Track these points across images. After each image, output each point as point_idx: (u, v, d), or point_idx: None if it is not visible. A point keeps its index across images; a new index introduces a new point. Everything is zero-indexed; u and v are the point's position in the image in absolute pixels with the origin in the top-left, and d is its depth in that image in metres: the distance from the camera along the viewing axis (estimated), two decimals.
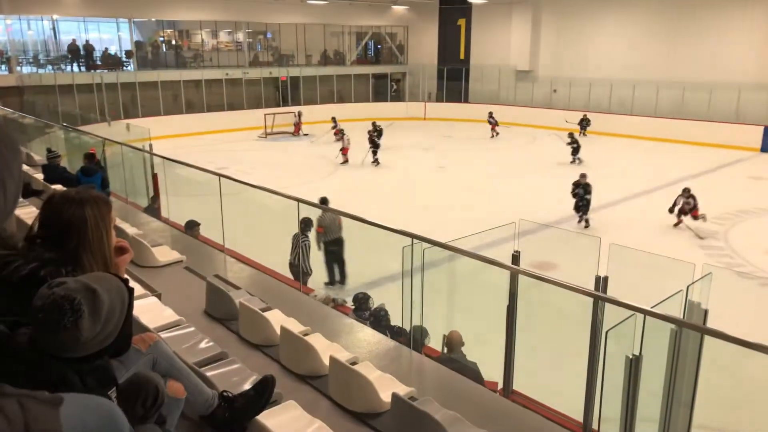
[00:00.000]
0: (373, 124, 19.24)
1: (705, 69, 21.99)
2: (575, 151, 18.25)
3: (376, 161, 18.43)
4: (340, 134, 20.16)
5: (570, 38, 26.51)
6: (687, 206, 11.79)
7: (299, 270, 7.54)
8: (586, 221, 12.31)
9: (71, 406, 1.03)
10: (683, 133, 21.93)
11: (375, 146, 18.38)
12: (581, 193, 12.20)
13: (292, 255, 7.89)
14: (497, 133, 23.96)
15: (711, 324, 3.97)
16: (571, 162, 18.05)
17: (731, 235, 11.62)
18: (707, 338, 3.84)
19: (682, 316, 3.95)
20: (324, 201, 8.49)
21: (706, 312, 4.06)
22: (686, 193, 11.92)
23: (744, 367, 5.13)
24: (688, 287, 4.07)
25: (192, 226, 7.97)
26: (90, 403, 1.11)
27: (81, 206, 1.78)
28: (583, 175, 12.47)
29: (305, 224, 7.77)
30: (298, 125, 24.61)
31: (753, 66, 21.26)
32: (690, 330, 3.93)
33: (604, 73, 24.79)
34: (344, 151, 18.64)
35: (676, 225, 11.94)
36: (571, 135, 18.60)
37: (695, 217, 11.67)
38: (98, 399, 1.15)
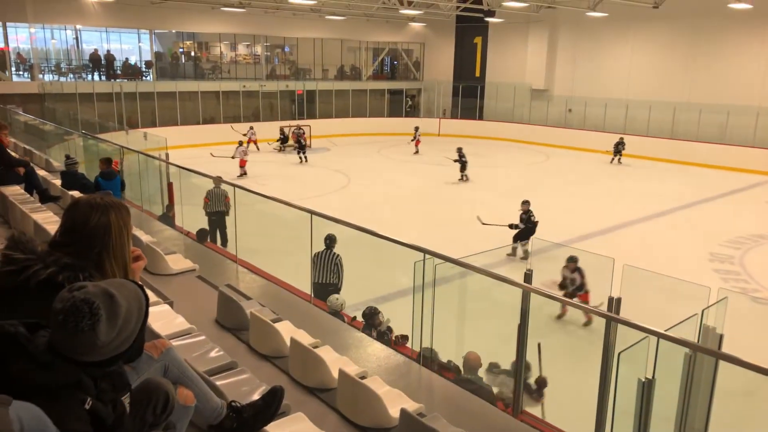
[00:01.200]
0: (299, 126, 23.26)
1: (722, 92, 21.87)
2: (463, 167, 18.20)
3: (303, 158, 21.23)
4: (238, 145, 19.40)
5: (586, 58, 26.54)
6: (571, 284, 8.63)
7: (327, 289, 7.23)
8: (526, 253, 11.29)
9: (14, 407, 1.16)
10: (700, 155, 21.78)
11: (301, 147, 21.42)
12: (524, 219, 11.47)
13: (319, 274, 7.37)
14: (417, 151, 23.65)
15: (726, 349, 3.91)
16: (460, 179, 18.19)
17: (747, 259, 11.47)
18: (722, 363, 3.78)
19: (696, 341, 3.89)
20: (219, 178, 9.73)
21: (721, 337, 4.01)
22: (571, 265, 8.79)
23: (759, 394, 5.03)
24: (703, 311, 4.01)
25: (203, 236, 8.07)
26: (24, 405, 1.23)
27: (106, 213, 1.81)
28: (527, 202, 11.74)
29: (331, 240, 7.49)
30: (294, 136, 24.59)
31: None
32: (704, 355, 3.87)
33: (620, 93, 24.74)
34: (241, 163, 18.34)
35: (559, 317, 8.38)
36: (459, 151, 18.32)
37: (584, 302, 7.96)
38: (31, 405, 1.26)
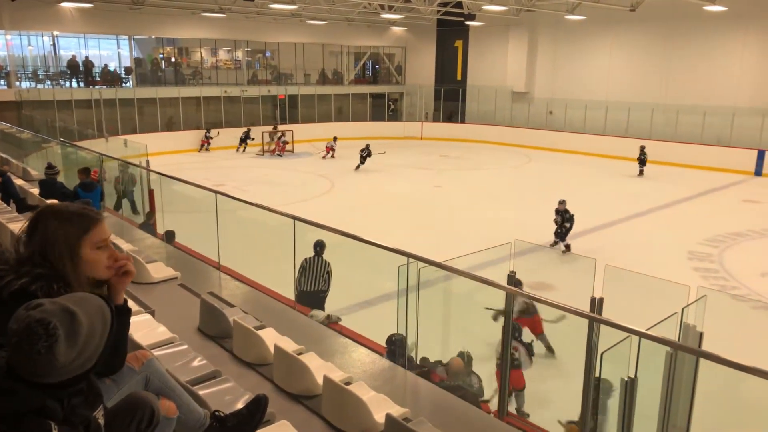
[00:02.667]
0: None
1: (699, 93, 22.25)
2: (363, 160, 20.67)
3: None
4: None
5: (566, 61, 26.83)
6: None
7: (318, 296, 7.17)
8: (566, 246, 11.99)
9: None
10: (678, 155, 22.10)
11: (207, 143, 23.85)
12: (559, 220, 12.06)
13: (308, 282, 7.24)
14: (327, 155, 23.47)
15: (706, 347, 3.96)
16: (356, 168, 20.64)
17: (726, 257, 11.66)
18: (702, 361, 3.83)
19: (677, 339, 3.94)
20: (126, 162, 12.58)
21: (701, 335, 4.06)
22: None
23: (739, 391, 5.11)
24: (683, 310, 4.07)
25: (171, 237, 8.06)
26: None
27: (50, 221, 1.72)
28: (562, 202, 12.23)
29: (321, 247, 7.33)
30: (279, 144, 24.55)
31: (746, 90, 21.53)
32: (685, 353, 3.92)
33: (600, 95, 25.04)
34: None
35: None
36: (367, 146, 20.86)
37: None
38: None
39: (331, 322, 6.11)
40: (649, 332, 3.17)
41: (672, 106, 22.78)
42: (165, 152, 20.37)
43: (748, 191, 18.21)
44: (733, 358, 2.74)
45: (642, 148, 20.42)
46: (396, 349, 5.50)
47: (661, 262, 11.36)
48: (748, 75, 21.51)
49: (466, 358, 5.39)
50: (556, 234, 12.16)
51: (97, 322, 1.38)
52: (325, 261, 7.39)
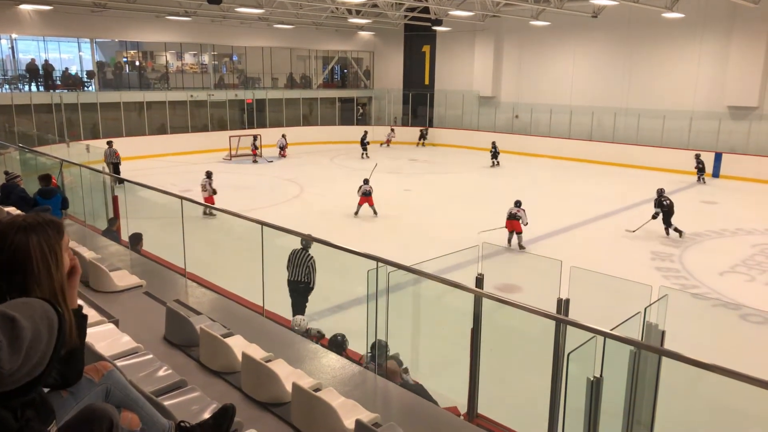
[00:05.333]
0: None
1: (659, 97, 22.89)
2: (495, 156, 22.75)
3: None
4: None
5: (531, 65, 27.28)
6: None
7: (298, 287, 7.65)
8: (677, 231, 13.10)
9: None
10: (639, 158, 22.67)
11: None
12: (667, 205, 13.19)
13: (292, 272, 7.82)
14: (386, 144, 27.54)
15: (668, 345, 4.07)
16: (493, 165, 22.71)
17: (686, 257, 11.99)
18: (665, 359, 3.92)
19: (640, 338, 4.03)
20: (110, 142, 16.87)
21: (663, 333, 4.17)
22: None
23: (700, 387, 5.26)
24: (645, 309, 4.16)
25: (136, 241, 7.85)
26: None
27: (26, 234, 1.65)
28: (661, 190, 13.65)
29: (306, 241, 7.70)
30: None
31: (703, 96, 22.22)
32: (648, 351, 4.01)
33: (564, 100, 25.54)
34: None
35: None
36: (493, 144, 22.73)
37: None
38: None
39: (313, 335, 6.04)
40: (613, 332, 3.24)
41: (634, 110, 23.38)
42: (130, 158, 19.96)
43: (706, 193, 18.78)
44: (693, 355, 2.82)
45: (697, 156, 20.34)
46: (376, 354, 5.50)
47: (625, 262, 11.62)
48: (704, 80, 22.20)
49: (397, 361, 5.37)
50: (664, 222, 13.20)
51: (41, 326, 1.33)
52: (309, 254, 7.80)
